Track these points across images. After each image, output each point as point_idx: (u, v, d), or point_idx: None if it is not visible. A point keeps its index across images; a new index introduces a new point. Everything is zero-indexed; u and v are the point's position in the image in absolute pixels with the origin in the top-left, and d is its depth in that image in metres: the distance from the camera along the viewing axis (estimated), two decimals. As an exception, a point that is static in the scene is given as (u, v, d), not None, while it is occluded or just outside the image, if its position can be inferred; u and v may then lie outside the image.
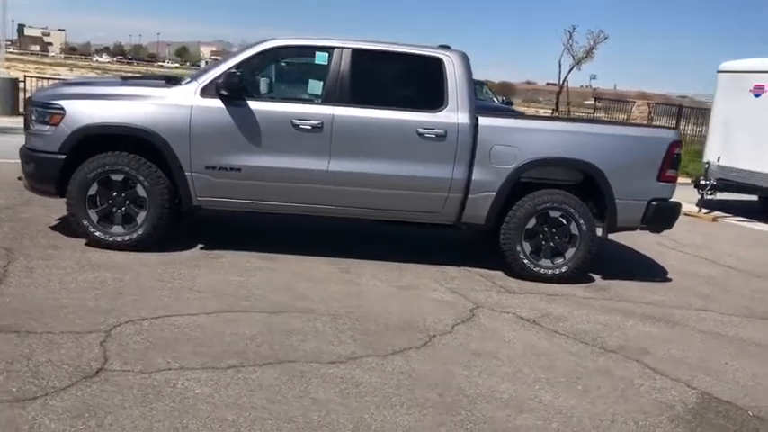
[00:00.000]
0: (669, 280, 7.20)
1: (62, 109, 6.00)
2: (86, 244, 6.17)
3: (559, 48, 45.54)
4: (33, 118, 6.19)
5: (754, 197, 13.04)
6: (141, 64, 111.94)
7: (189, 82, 6.27)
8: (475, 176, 6.32)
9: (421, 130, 6.23)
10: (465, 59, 6.46)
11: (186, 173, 6.08)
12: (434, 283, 6.14)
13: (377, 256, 6.72)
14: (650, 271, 7.43)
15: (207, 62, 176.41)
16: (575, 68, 35.41)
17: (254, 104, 6.09)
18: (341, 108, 6.17)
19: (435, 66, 6.37)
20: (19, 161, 6.37)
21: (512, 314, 5.50)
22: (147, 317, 4.60)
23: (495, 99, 19.88)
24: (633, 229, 6.76)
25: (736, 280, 7.53)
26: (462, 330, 5.00)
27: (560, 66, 34.80)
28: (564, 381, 4.29)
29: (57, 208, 7.31)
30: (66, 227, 6.59)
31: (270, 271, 5.97)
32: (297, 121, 6.12)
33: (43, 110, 6.10)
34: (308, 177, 6.19)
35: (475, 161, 6.30)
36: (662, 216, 6.65)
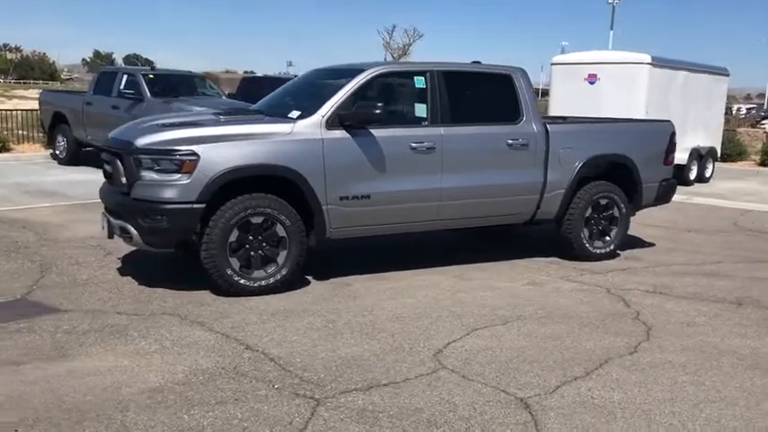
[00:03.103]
0: (653, 244, 8.70)
1: (195, 154, 5.59)
2: (213, 293, 5.87)
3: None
4: (149, 166, 5.65)
5: None
6: None
7: (302, 115, 6.16)
8: (549, 178, 7.16)
9: (510, 141, 6.90)
10: (526, 74, 7.23)
11: (323, 206, 6.06)
12: (542, 276, 6.90)
13: (456, 260, 7.25)
14: (630, 240, 8.86)
15: None
16: None
17: (376, 132, 6.24)
18: (447, 128, 6.59)
19: (508, 82, 7.06)
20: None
21: (638, 291, 6.48)
22: (439, 348, 4.79)
23: (222, 94, 15.10)
24: (648, 206, 8.15)
25: (691, 235, 9.35)
26: (643, 311, 5.85)
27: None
28: (777, 336, 5.42)
29: (86, 263, 6.75)
30: (151, 280, 6.21)
31: (418, 288, 6.26)
32: (414, 144, 6.41)
33: (166, 156, 5.62)
34: (426, 196, 6.54)
35: (549, 164, 7.14)
36: (668, 193, 8.14)
